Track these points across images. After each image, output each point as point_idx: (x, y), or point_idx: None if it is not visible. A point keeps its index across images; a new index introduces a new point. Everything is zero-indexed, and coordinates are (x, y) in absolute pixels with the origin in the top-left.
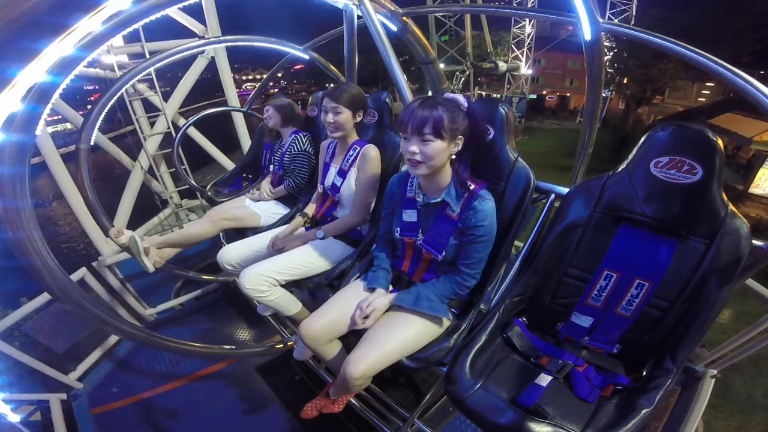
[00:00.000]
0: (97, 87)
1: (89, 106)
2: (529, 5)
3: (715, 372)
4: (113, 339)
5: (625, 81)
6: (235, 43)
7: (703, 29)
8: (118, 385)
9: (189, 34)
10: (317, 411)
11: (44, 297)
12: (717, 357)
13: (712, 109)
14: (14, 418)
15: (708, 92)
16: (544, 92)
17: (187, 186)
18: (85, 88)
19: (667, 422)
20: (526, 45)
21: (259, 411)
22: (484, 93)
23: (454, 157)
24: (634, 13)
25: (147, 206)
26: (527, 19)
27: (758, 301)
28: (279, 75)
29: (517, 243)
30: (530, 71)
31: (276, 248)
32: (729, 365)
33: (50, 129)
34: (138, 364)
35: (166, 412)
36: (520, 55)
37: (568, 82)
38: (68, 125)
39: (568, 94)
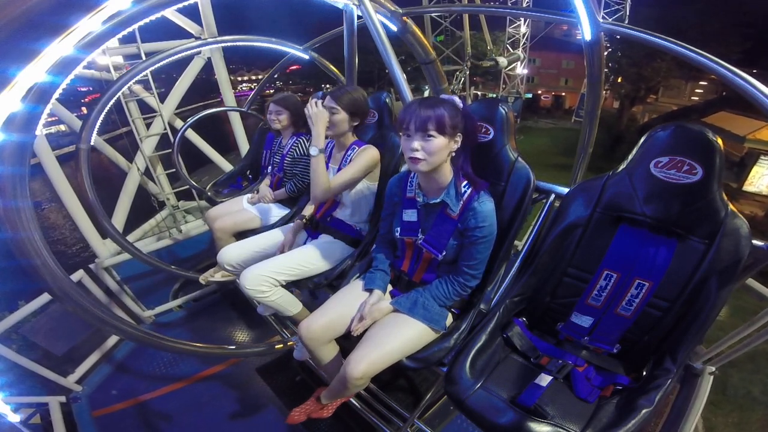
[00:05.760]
0: (91, 88)
1: (84, 108)
2: (525, 4)
3: (713, 369)
4: (111, 341)
5: (619, 80)
6: (234, 44)
7: (693, 28)
8: (117, 387)
9: (184, 34)
10: (306, 416)
11: (42, 299)
12: (715, 354)
13: (706, 108)
14: (14, 418)
15: (701, 91)
16: (539, 92)
17: (183, 187)
18: (78, 89)
19: (667, 420)
20: (521, 45)
21: (260, 412)
22: (479, 93)
23: (454, 154)
24: (627, 13)
25: (144, 208)
26: (522, 19)
27: (753, 296)
28: (275, 75)
29: (516, 243)
30: (525, 71)
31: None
32: (727, 362)
33: (45, 131)
34: (137, 367)
35: (167, 414)
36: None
37: (563, 82)
38: (62, 127)
39: (563, 94)
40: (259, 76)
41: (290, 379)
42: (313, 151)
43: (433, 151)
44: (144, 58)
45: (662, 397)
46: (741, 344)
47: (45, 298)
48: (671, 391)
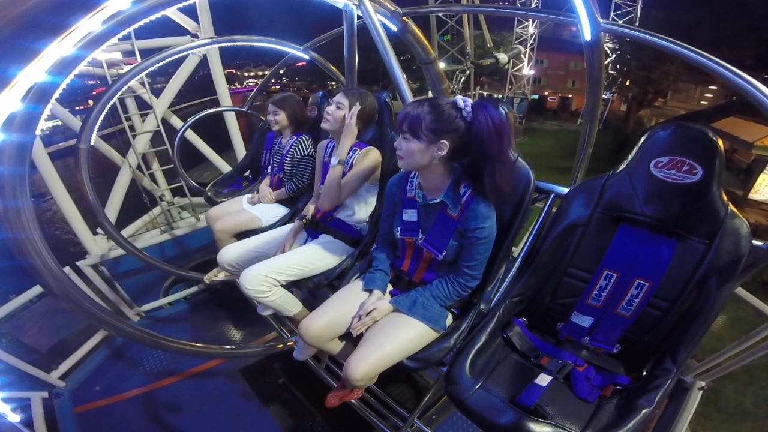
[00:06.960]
0: (98, 82)
1: (91, 101)
2: (533, 5)
3: (702, 384)
4: (97, 338)
5: (627, 83)
6: (234, 44)
7: (705, 31)
8: (101, 384)
9: (180, 30)
10: (339, 400)
11: (32, 292)
12: (707, 368)
13: (714, 113)
14: (14, 418)
15: (711, 95)
16: (546, 93)
17: (179, 184)
18: (86, 82)
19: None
20: (528, 45)
21: (242, 413)
22: (485, 93)
23: (437, 160)
24: (638, 15)
25: (139, 204)
26: (530, 20)
27: (752, 310)
28: (280, 72)
29: (515, 244)
30: (532, 71)
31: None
32: (719, 376)
33: (50, 123)
34: (121, 364)
35: (148, 411)
36: (522, 56)
37: (570, 83)
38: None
39: (570, 96)
40: (266, 72)
41: (273, 381)
42: (333, 161)
43: (407, 153)
44: (138, 55)
45: (662, 398)
46: (735, 360)
47: (29, 294)
48: (659, 404)
